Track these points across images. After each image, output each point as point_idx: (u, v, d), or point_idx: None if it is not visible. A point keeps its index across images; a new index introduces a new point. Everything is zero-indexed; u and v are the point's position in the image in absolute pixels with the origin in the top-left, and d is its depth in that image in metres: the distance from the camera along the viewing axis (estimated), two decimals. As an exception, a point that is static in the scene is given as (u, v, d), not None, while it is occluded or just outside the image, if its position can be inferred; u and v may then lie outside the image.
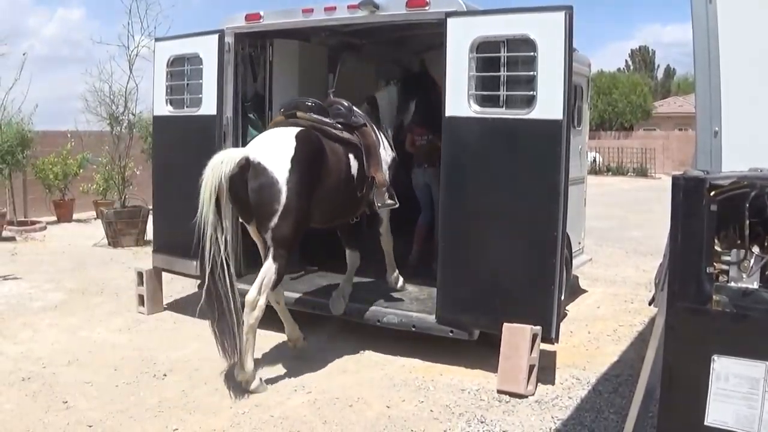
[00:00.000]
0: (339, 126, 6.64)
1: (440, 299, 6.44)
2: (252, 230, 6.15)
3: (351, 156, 6.61)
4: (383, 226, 7.53)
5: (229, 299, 5.67)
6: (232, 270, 5.78)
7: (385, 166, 7.14)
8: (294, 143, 5.91)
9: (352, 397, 5.69)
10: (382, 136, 7.45)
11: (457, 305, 6.31)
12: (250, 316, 5.73)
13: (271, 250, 5.83)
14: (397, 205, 7.21)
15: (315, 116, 6.50)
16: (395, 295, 7.42)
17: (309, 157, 5.97)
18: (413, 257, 8.68)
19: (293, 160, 5.80)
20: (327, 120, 6.58)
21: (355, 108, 7.13)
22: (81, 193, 16.23)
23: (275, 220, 5.73)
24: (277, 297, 6.38)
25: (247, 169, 5.75)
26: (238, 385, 5.85)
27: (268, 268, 5.83)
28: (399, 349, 6.71)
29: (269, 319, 6.86)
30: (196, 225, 5.61)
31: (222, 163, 5.63)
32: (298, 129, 6.16)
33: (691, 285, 2.68)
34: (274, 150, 5.88)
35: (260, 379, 5.88)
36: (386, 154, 7.32)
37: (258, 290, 5.76)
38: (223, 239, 5.66)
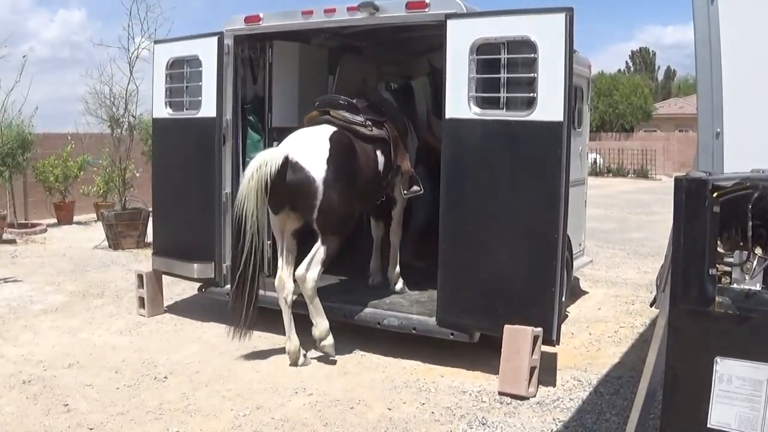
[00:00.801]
0: (369, 123, 7.04)
1: (441, 301, 6.43)
2: (276, 219, 6.51)
3: (378, 152, 7.07)
4: (396, 211, 7.82)
5: (256, 284, 6.35)
6: (265, 258, 6.59)
7: (411, 155, 7.57)
8: (328, 144, 6.41)
9: (353, 399, 5.68)
10: (410, 123, 7.75)
11: (458, 307, 6.30)
12: (305, 289, 6.34)
13: (320, 235, 6.38)
14: (422, 191, 7.55)
15: (346, 115, 6.91)
16: (396, 297, 7.42)
17: (341, 157, 6.45)
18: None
19: (328, 160, 6.31)
20: (358, 119, 6.98)
21: (385, 96, 7.58)
22: (81, 196, 16.22)
23: (315, 213, 6.29)
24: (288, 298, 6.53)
25: (286, 166, 6.22)
26: (238, 387, 5.87)
27: (317, 248, 6.38)
28: (400, 351, 6.71)
29: (269, 321, 6.87)
30: (234, 217, 6.29)
31: (266, 164, 6.11)
32: (331, 130, 6.62)
33: (693, 287, 2.67)
34: (311, 149, 6.37)
35: (332, 343, 6.51)
36: (412, 142, 7.66)
37: (306, 266, 6.33)
38: (263, 230, 6.34)
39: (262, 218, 6.29)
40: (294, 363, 6.42)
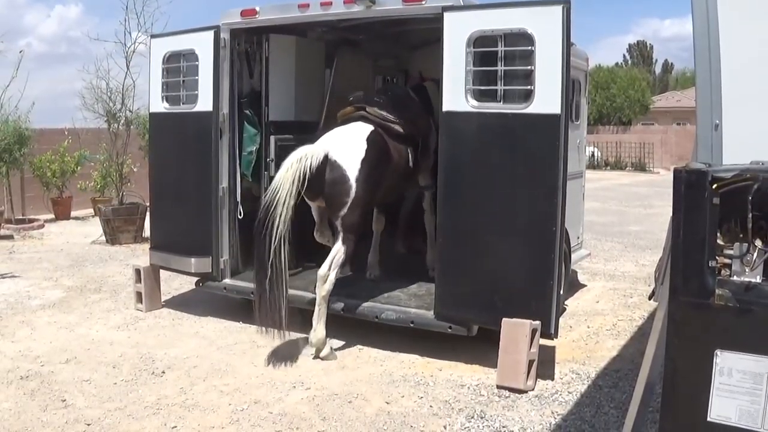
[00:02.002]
0: (401, 121, 7.23)
1: (439, 295, 6.42)
2: (313, 204, 6.90)
3: (410, 150, 7.36)
4: (426, 202, 8.07)
5: (283, 273, 6.30)
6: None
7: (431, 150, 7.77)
8: (365, 146, 6.70)
9: (351, 394, 5.67)
10: (432, 121, 7.90)
11: (456, 301, 6.29)
12: (322, 289, 6.49)
13: (341, 234, 6.61)
14: None
15: (381, 112, 7.14)
16: (394, 291, 7.40)
17: (376, 158, 6.75)
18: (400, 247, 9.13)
19: (363, 161, 6.60)
20: (391, 117, 7.18)
21: (413, 95, 7.86)
22: (79, 191, 16.22)
23: (345, 210, 6.56)
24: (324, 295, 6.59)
25: (325, 163, 6.54)
26: (236, 381, 5.87)
27: (338, 248, 6.60)
28: (398, 345, 6.70)
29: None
30: (266, 206, 6.28)
31: (305, 157, 6.39)
32: (369, 130, 6.89)
33: (693, 279, 2.66)
34: (348, 150, 6.65)
35: (331, 348, 6.57)
36: (433, 139, 7.76)
37: (328, 266, 6.53)
38: (289, 220, 6.31)
39: (292, 208, 6.32)
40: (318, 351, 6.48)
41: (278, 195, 6.24)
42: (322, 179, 6.54)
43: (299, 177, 6.31)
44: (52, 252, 11.96)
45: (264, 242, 6.27)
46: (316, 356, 6.47)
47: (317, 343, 6.46)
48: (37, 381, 5.91)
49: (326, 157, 6.55)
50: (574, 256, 8.49)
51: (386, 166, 6.93)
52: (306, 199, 6.71)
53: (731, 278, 2.65)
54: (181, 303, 8.43)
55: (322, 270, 6.50)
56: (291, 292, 7.11)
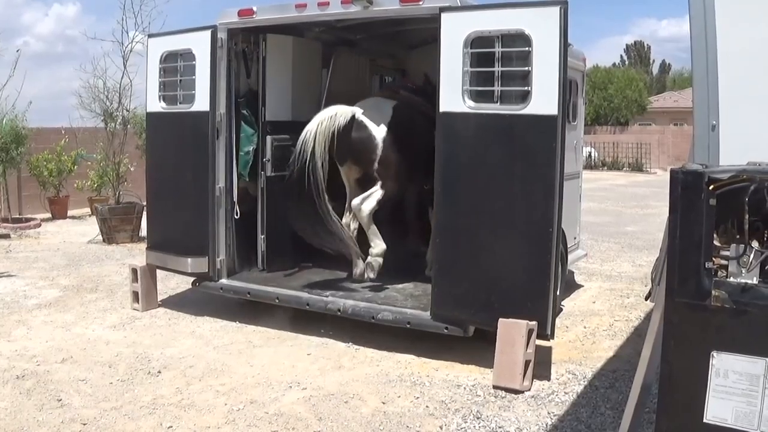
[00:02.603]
0: (427, 105, 7.40)
1: (435, 295, 6.41)
2: (342, 170, 7.40)
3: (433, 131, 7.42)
4: None
5: (329, 214, 6.99)
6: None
7: None
8: (392, 112, 7.28)
9: (348, 394, 5.66)
10: None
11: (453, 301, 6.28)
12: (360, 216, 7.11)
13: (379, 181, 7.14)
14: None
15: (409, 95, 7.78)
16: (390, 291, 7.40)
17: (401, 123, 7.24)
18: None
19: (389, 124, 7.15)
20: (419, 99, 7.69)
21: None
22: (76, 190, 16.19)
23: (376, 165, 7.13)
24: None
25: (352, 123, 7.07)
26: (232, 381, 5.88)
27: (376, 189, 7.12)
28: (394, 345, 6.69)
29: (263, 315, 6.85)
30: (298, 154, 6.83)
31: (336, 115, 6.95)
32: (395, 102, 7.50)
33: (689, 280, 2.66)
34: (375, 113, 7.21)
35: (380, 264, 7.23)
36: None
37: (362, 200, 7.10)
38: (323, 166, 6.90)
39: (325, 159, 6.89)
40: (361, 275, 7.34)
41: (314, 147, 6.74)
42: (349, 138, 7.02)
43: (331, 132, 6.83)
44: (49, 251, 11.94)
45: (309, 184, 6.82)
46: (372, 257, 7.18)
47: (380, 253, 7.18)
48: (33, 380, 5.89)
49: (353, 117, 7.04)
50: (570, 257, 8.50)
51: (412, 134, 7.23)
52: (337, 165, 7.23)
53: (728, 279, 2.65)
54: (177, 303, 8.42)
55: (355, 202, 7.10)
56: (288, 291, 7.16)
